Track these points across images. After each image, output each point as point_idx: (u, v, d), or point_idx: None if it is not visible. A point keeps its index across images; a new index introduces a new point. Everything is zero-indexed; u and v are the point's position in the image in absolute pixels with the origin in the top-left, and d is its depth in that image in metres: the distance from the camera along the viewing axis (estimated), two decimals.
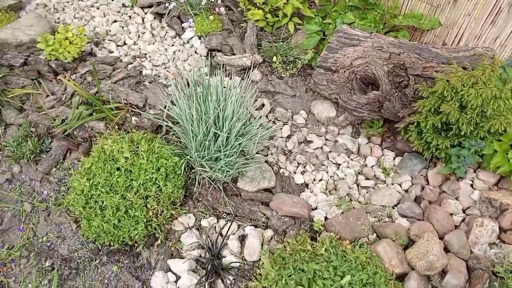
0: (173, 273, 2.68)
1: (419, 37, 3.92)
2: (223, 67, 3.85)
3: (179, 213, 2.86)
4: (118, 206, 2.66)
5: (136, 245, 2.78)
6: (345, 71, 3.44)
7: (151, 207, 2.72)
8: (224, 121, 2.86)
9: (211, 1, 4.18)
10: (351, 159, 3.41)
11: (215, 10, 4.18)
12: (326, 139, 3.52)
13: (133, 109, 3.44)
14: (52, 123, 3.27)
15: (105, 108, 3.31)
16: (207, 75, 3.52)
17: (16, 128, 3.26)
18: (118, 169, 2.78)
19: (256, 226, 2.87)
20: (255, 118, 3.08)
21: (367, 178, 3.30)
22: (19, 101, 3.45)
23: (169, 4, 4.12)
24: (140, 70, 3.84)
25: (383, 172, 3.32)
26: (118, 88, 3.50)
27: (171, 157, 2.88)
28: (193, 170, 2.98)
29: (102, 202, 2.69)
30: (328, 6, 4.11)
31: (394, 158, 3.42)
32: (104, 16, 4.35)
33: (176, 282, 2.65)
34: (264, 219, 2.87)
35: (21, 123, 3.28)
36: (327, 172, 3.32)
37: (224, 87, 3.07)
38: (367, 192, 3.21)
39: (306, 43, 3.96)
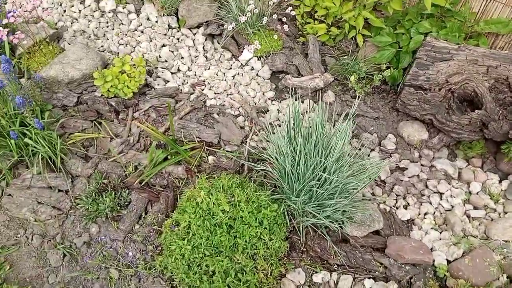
0: None
1: (491, 43, 3.57)
2: (293, 91, 3.52)
3: (286, 270, 2.54)
4: (227, 270, 2.34)
5: None
6: (440, 89, 3.11)
7: (261, 267, 2.40)
8: (328, 159, 2.53)
9: (271, 18, 3.83)
10: (453, 186, 3.09)
11: (277, 28, 3.84)
12: (422, 165, 3.19)
13: (207, 148, 3.11)
14: (125, 171, 2.94)
15: (181, 149, 2.97)
16: (306, 115, 3.18)
17: (86, 180, 2.93)
18: (218, 225, 2.46)
19: (374, 279, 2.55)
20: (356, 152, 2.75)
21: (475, 207, 2.98)
22: (82, 147, 3.12)
23: (226, 24, 3.77)
24: (204, 100, 3.50)
25: (491, 199, 3.00)
26: (189, 124, 3.16)
27: (270, 204, 2.56)
28: (293, 218, 2.66)
29: (207, 267, 2.36)
30: (398, 14, 3.76)
31: (499, 182, 3.10)
32: (151, 40, 4.00)
33: None
34: (381, 269, 2.55)
35: (90, 173, 2.95)
36: (431, 203, 3.00)
37: (328, 121, 2.74)
38: (479, 224, 2.89)
39: (379, 56, 3.62)
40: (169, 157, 2.99)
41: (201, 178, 2.73)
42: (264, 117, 3.42)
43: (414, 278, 2.52)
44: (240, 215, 2.47)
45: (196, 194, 2.59)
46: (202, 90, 3.64)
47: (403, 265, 2.55)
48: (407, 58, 3.46)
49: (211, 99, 3.53)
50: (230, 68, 3.85)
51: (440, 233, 2.83)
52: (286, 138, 2.62)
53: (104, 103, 3.24)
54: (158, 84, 3.61)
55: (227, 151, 3.07)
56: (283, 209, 2.60)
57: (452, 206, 2.98)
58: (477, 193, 3.05)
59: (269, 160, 2.87)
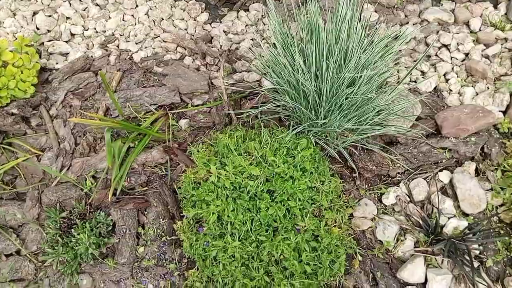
0: None
1: None
2: None
3: (352, 207, 1.98)
4: (298, 245, 1.72)
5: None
6: None
7: (331, 223, 1.81)
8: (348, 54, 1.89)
9: None
10: (455, 33, 2.64)
11: None
12: (413, 24, 2.68)
13: (171, 113, 2.31)
14: (83, 189, 2.08)
15: (142, 127, 2.15)
16: None
17: (37, 226, 2.03)
18: (255, 198, 1.78)
19: (446, 169, 2.09)
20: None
21: (487, 45, 2.58)
22: (3, 185, 2.15)
23: None
24: (129, 57, 2.60)
25: (497, 29, 2.62)
26: (132, 93, 2.30)
27: (298, 143, 1.92)
28: (328, 145, 2.05)
29: (271, 255, 1.72)
30: None
31: (495, 7, 2.71)
32: (14, 14, 2.88)
33: None
34: (447, 155, 2.09)
35: (37, 214, 2.05)
36: (443, 60, 2.55)
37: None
38: (501, 60, 2.51)
39: None
40: (131, 144, 2.16)
41: (195, 149, 1.98)
42: (213, 47, 2.64)
43: (486, 145, 2.10)
44: (274, 172, 1.80)
45: (201, 173, 1.85)
46: (118, 46, 2.71)
47: (467, 139, 2.10)
48: None
49: (136, 52, 2.64)
50: (137, 6, 2.91)
51: (474, 87, 2.41)
52: (284, 49, 1.91)
53: (2, 115, 2.22)
54: (57, 63, 2.61)
55: (198, 105, 2.30)
56: (313, 141, 1.97)
57: (467, 54, 2.55)
58: (480, 30, 2.65)
59: (262, 91, 2.17)
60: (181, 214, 1.96)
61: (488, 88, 2.39)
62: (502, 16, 2.68)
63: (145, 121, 2.20)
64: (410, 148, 2.11)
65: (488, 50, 2.54)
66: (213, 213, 1.73)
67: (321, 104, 1.89)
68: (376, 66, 1.87)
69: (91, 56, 2.62)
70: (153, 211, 2.01)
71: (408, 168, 2.08)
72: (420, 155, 2.09)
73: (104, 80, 1.95)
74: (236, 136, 1.96)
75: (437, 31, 2.66)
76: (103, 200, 2.02)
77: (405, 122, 2.15)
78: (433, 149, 2.11)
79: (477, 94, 2.38)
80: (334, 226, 1.82)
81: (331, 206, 1.85)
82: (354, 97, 1.83)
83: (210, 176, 1.81)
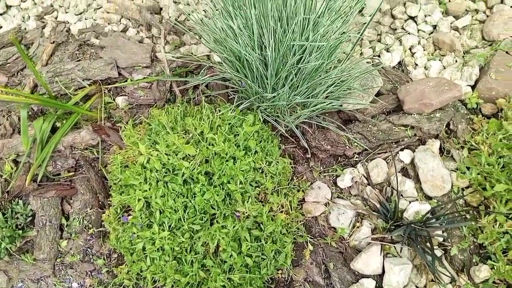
0: None
1: None
2: None
3: (304, 191, 1.77)
4: (236, 234, 1.50)
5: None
6: None
7: (278, 207, 1.60)
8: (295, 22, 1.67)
9: None
10: (423, 4, 2.44)
11: None
12: None
13: (107, 89, 2.06)
14: (2, 175, 1.83)
15: (70, 104, 1.90)
16: None
17: None
18: (189, 181, 1.56)
19: (408, 148, 1.90)
20: None
21: (456, 17, 2.39)
22: None
23: None
24: (67, 29, 2.34)
25: None
26: (64, 67, 2.05)
27: (244, 119, 1.70)
28: (278, 123, 1.83)
29: (206, 245, 1.50)
30: None
31: None
32: None
33: None
34: (409, 132, 1.89)
35: None
36: (409, 33, 2.35)
37: None
38: (472, 32, 2.33)
39: None
40: (58, 124, 1.91)
41: (126, 128, 1.74)
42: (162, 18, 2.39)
43: (452, 122, 1.91)
44: (214, 152, 1.58)
45: (131, 154, 1.61)
46: (56, 18, 2.44)
47: (431, 115, 1.91)
48: None
49: (75, 23, 2.38)
50: None
51: (441, 60, 2.22)
52: (227, 14, 1.68)
53: None
54: None
55: (137, 80, 2.06)
56: (261, 117, 1.76)
57: (434, 26, 2.36)
58: (449, 0, 2.45)
59: (209, 64, 1.94)
60: (109, 203, 1.72)
61: (456, 61, 2.20)
62: None
63: (74, 97, 1.95)
64: (369, 126, 1.91)
65: (457, 22, 2.35)
66: (139, 199, 1.50)
67: (268, 76, 1.67)
68: (328, 31, 1.65)
69: (24, 29, 2.35)
70: (80, 199, 1.77)
71: (367, 148, 1.88)
72: (380, 133, 1.90)
73: (19, 49, 1.69)
74: (174, 113, 1.73)
75: (404, 2, 2.46)
76: (23, 187, 1.78)
77: (364, 98, 1.94)
78: (394, 127, 1.91)
79: (444, 68, 2.19)
80: (281, 212, 1.61)
81: (277, 189, 1.64)
82: (304, 67, 1.61)
83: (139, 155, 1.58)
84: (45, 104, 1.78)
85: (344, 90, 1.81)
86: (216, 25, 1.64)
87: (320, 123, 1.86)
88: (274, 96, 1.71)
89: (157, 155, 1.57)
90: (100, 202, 1.77)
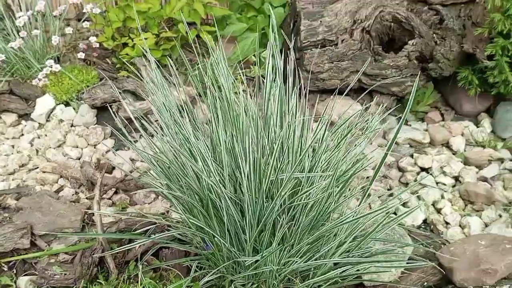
0: None
1: None
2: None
3: None
4: None
5: None
6: (352, 34, 2.13)
7: None
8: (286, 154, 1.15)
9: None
10: (436, 155, 2.02)
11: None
12: (379, 146, 2.07)
13: (9, 264, 1.39)
14: None
15: None
16: None
17: None
18: None
19: None
20: None
21: (479, 167, 1.95)
22: None
23: None
24: None
25: (488, 147, 2.04)
26: None
27: None
28: None
29: None
30: None
31: (477, 126, 2.20)
32: None
33: None
34: None
35: None
36: (428, 194, 1.85)
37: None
38: (504, 182, 1.85)
39: (241, 49, 2.56)
40: None
41: None
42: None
43: None
44: None
45: None
46: None
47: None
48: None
49: None
50: (22, 135, 2.23)
51: (480, 216, 1.67)
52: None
53: None
54: None
55: (55, 250, 1.40)
56: None
57: (456, 178, 1.89)
58: (465, 150, 2.05)
59: (159, 222, 1.34)
60: None
61: (500, 216, 1.65)
62: (488, 134, 2.13)
63: None
64: None
65: (483, 171, 1.90)
66: None
67: (246, 227, 1.06)
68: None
69: None
70: None
71: None
72: None
73: None
74: None
75: (410, 154, 2.05)
76: None
77: (393, 265, 1.29)
78: None
79: (486, 225, 1.63)
80: None
81: None
82: (303, 205, 1.02)
83: None
84: None
85: (363, 251, 1.17)
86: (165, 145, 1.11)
87: None
88: (256, 261, 1.07)
89: None
90: None
